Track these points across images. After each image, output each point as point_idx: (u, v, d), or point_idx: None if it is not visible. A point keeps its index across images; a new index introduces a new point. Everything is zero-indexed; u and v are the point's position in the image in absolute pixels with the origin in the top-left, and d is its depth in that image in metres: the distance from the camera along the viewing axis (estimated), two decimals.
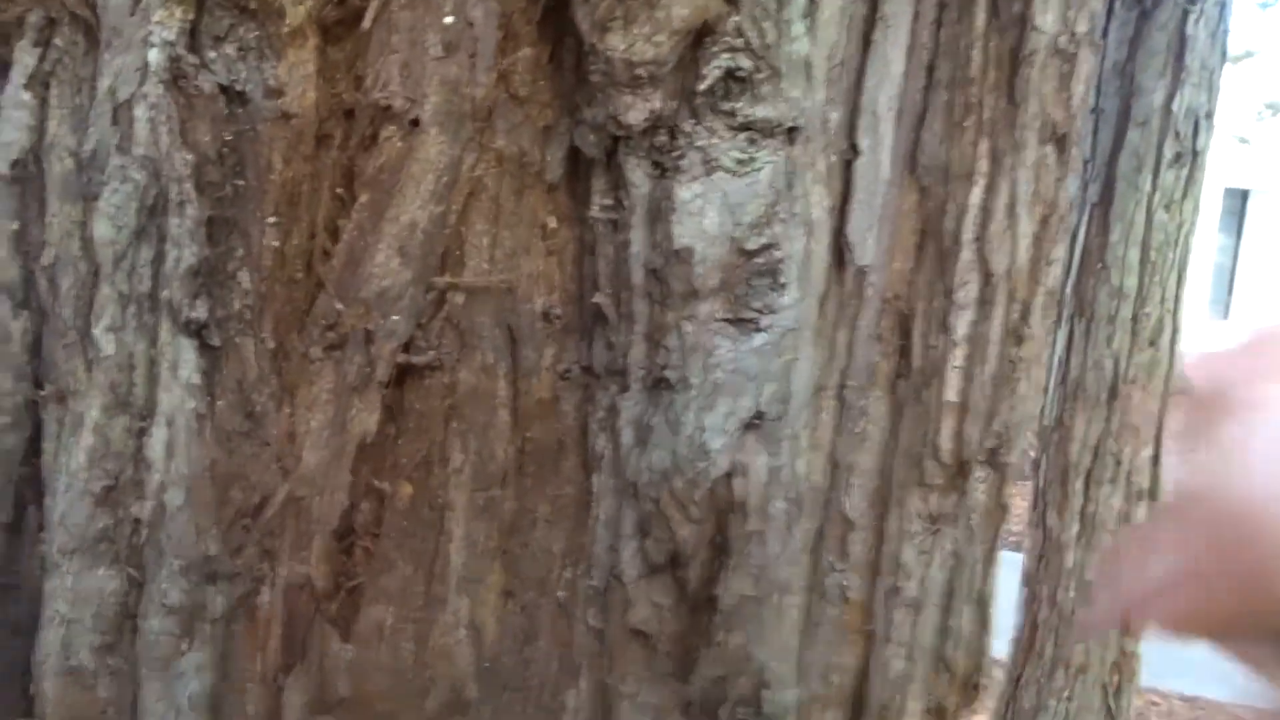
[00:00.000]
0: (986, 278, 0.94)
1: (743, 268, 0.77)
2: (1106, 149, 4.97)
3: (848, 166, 0.88)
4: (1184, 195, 4.86)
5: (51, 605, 0.77)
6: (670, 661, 0.84)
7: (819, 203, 0.83)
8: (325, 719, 0.81)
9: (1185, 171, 4.88)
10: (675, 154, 0.74)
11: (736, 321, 0.77)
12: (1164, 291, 4.88)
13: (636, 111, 0.72)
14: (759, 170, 0.75)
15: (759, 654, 0.85)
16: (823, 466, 0.93)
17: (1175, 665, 6.18)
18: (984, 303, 0.94)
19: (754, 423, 0.79)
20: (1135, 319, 4.85)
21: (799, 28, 0.77)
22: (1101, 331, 4.85)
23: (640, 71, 0.71)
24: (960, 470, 0.96)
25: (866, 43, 0.87)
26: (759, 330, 0.78)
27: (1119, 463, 4.84)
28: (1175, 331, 4.88)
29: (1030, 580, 4.95)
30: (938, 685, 1.02)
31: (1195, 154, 4.96)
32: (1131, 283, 4.84)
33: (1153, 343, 4.90)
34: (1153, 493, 4.97)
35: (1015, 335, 0.97)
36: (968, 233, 0.93)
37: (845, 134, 0.87)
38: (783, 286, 0.78)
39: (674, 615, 0.82)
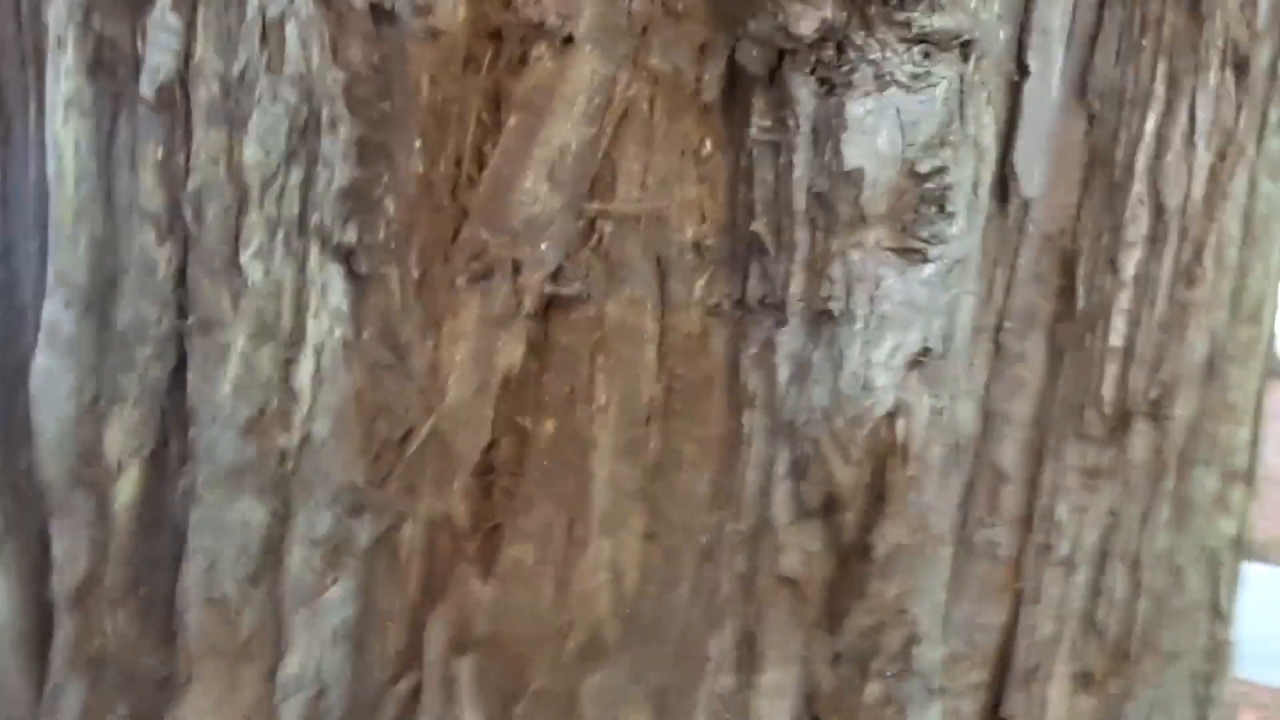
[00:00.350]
0: (1158, 213, 0.87)
1: (910, 193, 0.72)
2: None
3: (1015, 88, 0.82)
4: None
5: (196, 537, 0.76)
6: (819, 611, 0.80)
7: (989, 126, 0.78)
8: (465, 658, 0.79)
9: None
10: (845, 68, 0.69)
11: (903, 251, 0.72)
12: (1266, 265, 4.66)
13: (807, 21, 0.67)
14: (934, 86, 0.70)
15: (912, 607, 0.81)
16: (975, 414, 0.88)
17: (1269, 657, 5.96)
18: (1154, 240, 0.88)
19: (919, 360, 0.74)
20: (1235, 292, 4.65)
21: None
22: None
23: None
24: (1121, 422, 0.90)
25: None
26: (927, 261, 0.73)
27: (1215, 443, 4.67)
28: (1275, 306, 4.66)
29: None
30: (1087, 651, 0.97)
31: None
32: (1232, 254, 4.64)
33: (1253, 318, 4.70)
34: (1249, 475, 4.78)
35: (1187, 276, 0.90)
36: (1140, 164, 0.86)
37: (1013, 53, 0.82)
38: (951, 215, 0.73)
39: (825, 563, 0.79)
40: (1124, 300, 0.88)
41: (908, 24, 0.69)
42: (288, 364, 0.72)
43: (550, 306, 0.76)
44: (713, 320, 0.77)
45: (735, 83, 0.74)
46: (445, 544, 0.77)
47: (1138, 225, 0.87)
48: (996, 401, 0.88)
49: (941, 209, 0.73)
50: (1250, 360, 4.33)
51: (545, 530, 0.78)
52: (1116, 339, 0.88)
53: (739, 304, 0.76)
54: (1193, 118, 0.87)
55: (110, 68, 0.75)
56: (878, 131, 0.69)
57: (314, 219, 0.69)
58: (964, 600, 0.90)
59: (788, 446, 0.74)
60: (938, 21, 0.70)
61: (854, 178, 0.70)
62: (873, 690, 0.79)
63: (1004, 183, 0.83)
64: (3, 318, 0.96)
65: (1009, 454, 0.89)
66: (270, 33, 0.67)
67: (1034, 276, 0.87)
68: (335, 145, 0.67)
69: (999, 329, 0.87)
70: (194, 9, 0.71)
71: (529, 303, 0.74)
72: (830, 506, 0.75)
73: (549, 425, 0.77)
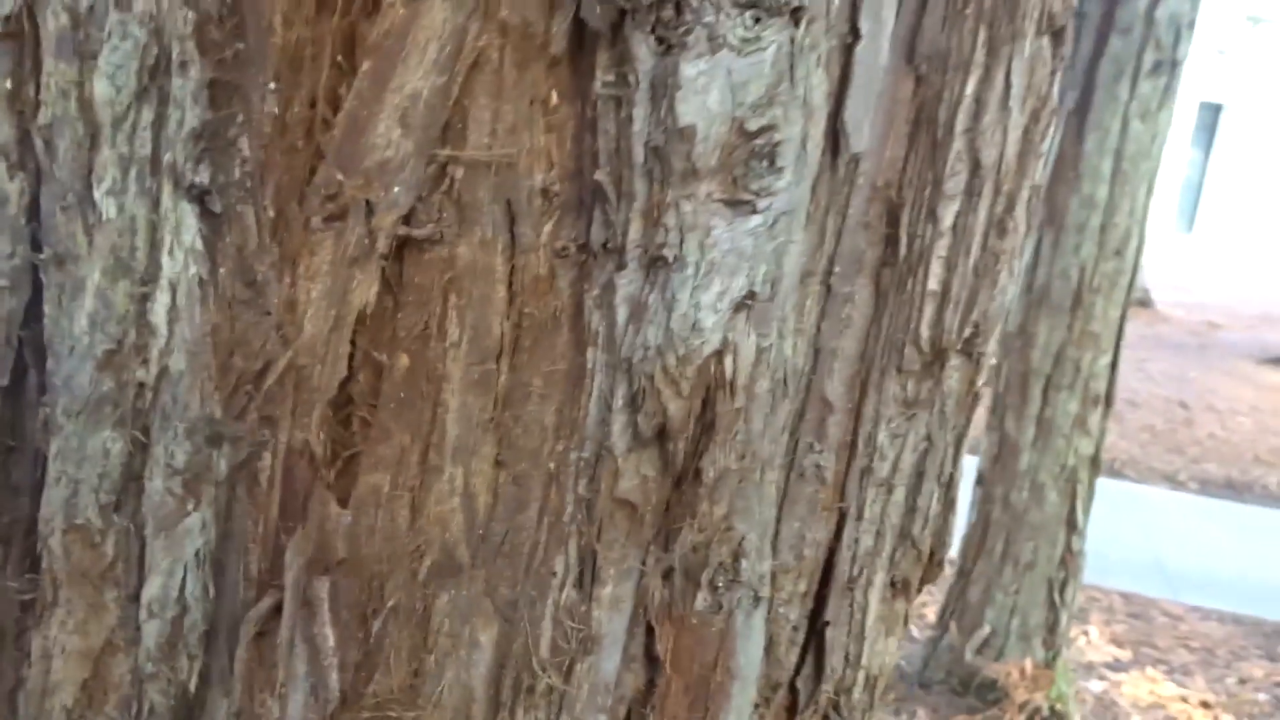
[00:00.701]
0: (975, 169, 0.95)
1: (741, 148, 0.78)
2: (1087, 56, 4.94)
3: (847, 50, 0.88)
4: (1160, 106, 4.87)
5: (57, 465, 0.79)
6: (654, 530, 0.88)
7: (819, 86, 0.84)
8: (323, 579, 0.84)
9: (1163, 81, 4.88)
10: (681, 29, 0.74)
11: (733, 203, 0.78)
12: (1133, 202, 4.93)
13: None
14: (764, 50, 0.76)
15: (739, 525, 0.89)
16: (806, 350, 0.95)
17: (1115, 564, 6.46)
18: (971, 194, 0.96)
19: (745, 303, 0.81)
20: (1103, 229, 4.91)
21: None
22: (1070, 240, 4.92)
23: None
24: (937, 358, 0.99)
25: None
26: (755, 212, 0.80)
27: (1078, 369, 4.97)
28: (1140, 242, 4.95)
29: (985, 481, 5.12)
30: (904, 561, 1.07)
31: (1174, 64, 4.95)
32: (1103, 192, 4.89)
33: (1119, 253, 4.97)
34: (1108, 399, 5.12)
35: (999, 227, 0.99)
36: (960, 123, 0.94)
37: (847, 16, 0.87)
38: (780, 170, 0.80)
39: (659, 487, 0.86)
40: (941, 248, 0.96)
41: None
42: (144, 299, 0.74)
43: (404, 247, 0.79)
44: (559, 262, 0.82)
45: (582, 37, 0.77)
46: (304, 472, 0.81)
47: (956, 180, 0.95)
48: (826, 339, 0.96)
49: (771, 163, 0.79)
50: (1113, 292, 4.64)
51: (400, 458, 0.83)
52: (934, 283, 0.97)
53: (583, 248, 0.81)
54: (1008, 82, 0.94)
55: None
56: (709, 91, 0.75)
57: (166, 158, 0.71)
58: (792, 518, 1.00)
59: (625, 381, 0.81)
60: None
61: (686, 134, 0.75)
62: (702, 599, 0.88)
63: (835, 138, 0.90)
64: None
65: (835, 387, 0.97)
66: None
67: (862, 225, 0.95)
68: (186, 86, 0.69)
69: (829, 273, 0.95)
70: None
71: (382, 243, 0.77)
72: (664, 435, 0.82)
73: (404, 360, 0.82)
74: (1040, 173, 1.03)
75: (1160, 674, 5.55)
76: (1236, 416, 10.21)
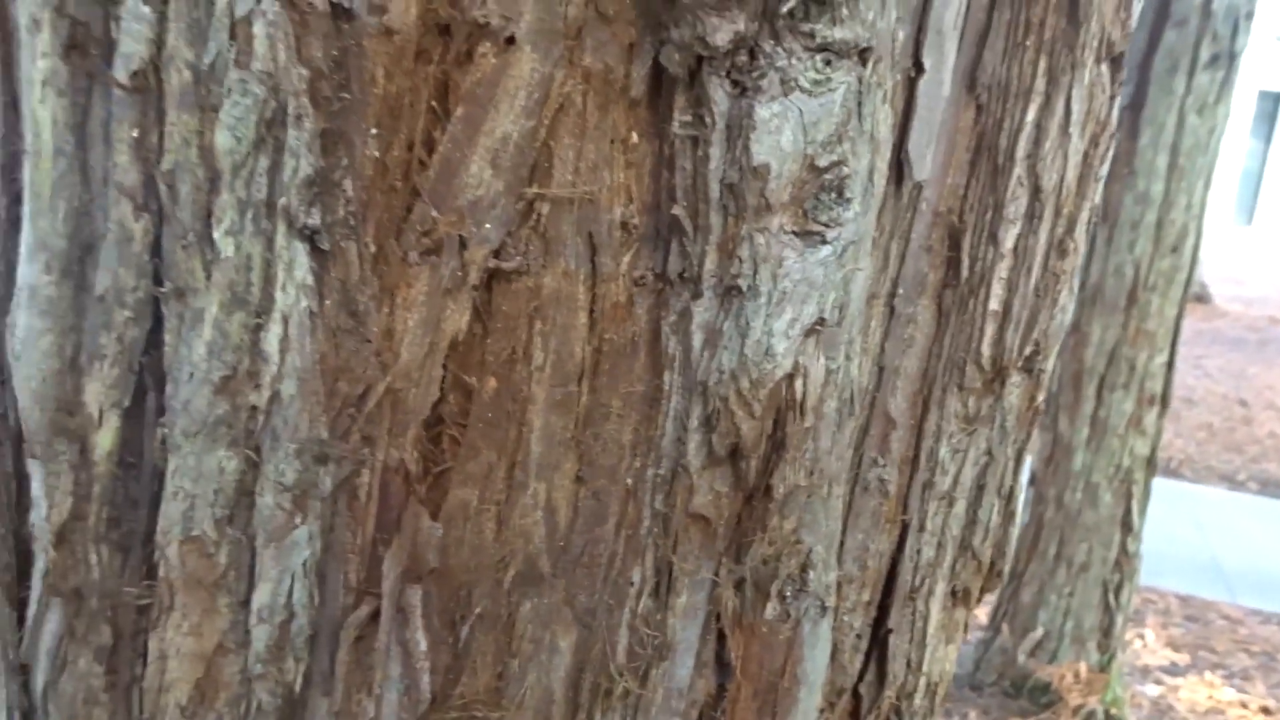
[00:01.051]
0: (1035, 193, 0.99)
1: (812, 183, 0.82)
2: (1141, 50, 4.88)
3: (911, 83, 0.92)
4: (1217, 99, 4.80)
5: (174, 481, 0.85)
6: (726, 543, 0.92)
7: (885, 121, 0.88)
8: (416, 587, 0.90)
9: (1221, 74, 4.80)
10: (755, 74, 0.78)
11: (804, 234, 0.83)
12: (1190, 198, 4.86)
13: (722, 33, 0.76)
14: (834, 91, 0.80)
15: (807, 539, 0.93)
16: (870, 369, 0.99)
17: (1172, 565, 6.37)
18: (1031, 217, 0.99)
19: (815, 329, 0.85)
20: (1159, 225, 4.85)
21: None
22: (1124, 237, 4.86)
23: None
24: (998, 375, 1.02)
25: None
26: (824, 243, 0.84)
27: (1133, 368, 4.92)
28: (1198, 238, 4.88)
29: (1037, 481, 5.09)
30: (964, 571, 1.11)
31: (1232, 56, 4.87)
32: (1158, 188, 4.83)
33: (1175, 249, 4.90)
34: (1164, 398, 5.05)
35: (1059, 248, 1.02)
36: (1021, 150, 0.97)
37: (910, 51, 0.91)
38: (848, 201, 0.84)
39: (731, 502, 0.90)
40: (1003, 270, 1.00)
41: (811, 35, 0.78)
42: (257, 330, 0.80)
43: (493, 278, 0.84)
44: (637, 291, 0.86)
45: (660, 80, 0.82)
46: (399, 487, 0.87)
47: (1017, 204, 0.99)
48: (889, 358, 1.00)
49: (839, 196, 0.83)
50: (1170, 290, 4.60)
51: (487, 474, 0.89)
52: (996, 304, 1.00)
53: (660, 277, 0.86)
54: (1068, 109, 0.97)
55: (84, 49, 0.81)
56: (782, 132, 0.79)
57: (281, 202, 0.77)
58: (857, 530, 1.04)
59: (700, 403, 0.85)
60: (838, 33, 0.79)
61: (760, 172, 0.79)
62: (772, 609, 0.92)
63: (899, 167, 0.93)
64: None
65: (899, 403, 1.01)
66: (239, 29, 0.74)
67: (924, 249, 0.98)
68: (301, 137, 0.75)
69: (893, 295, 0.99)
70: (165, 1, 0.76)
71: (474, 275, 0.83)
72: (736, 454, 0.87)
73: (491, 382, 0.87)
74: (1100, 194, 1.06)
75: (1219, 679, 5.47)
76: None
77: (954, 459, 1.04)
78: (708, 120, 0.80)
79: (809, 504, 0.90)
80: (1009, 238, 0.99)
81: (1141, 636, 5.76)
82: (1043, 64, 0.96)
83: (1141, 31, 4.74)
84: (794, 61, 0.79)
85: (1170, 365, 4.84)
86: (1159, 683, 5.40)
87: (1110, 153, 1.03)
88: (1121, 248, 4.82)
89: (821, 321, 0.85)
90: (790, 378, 0.84)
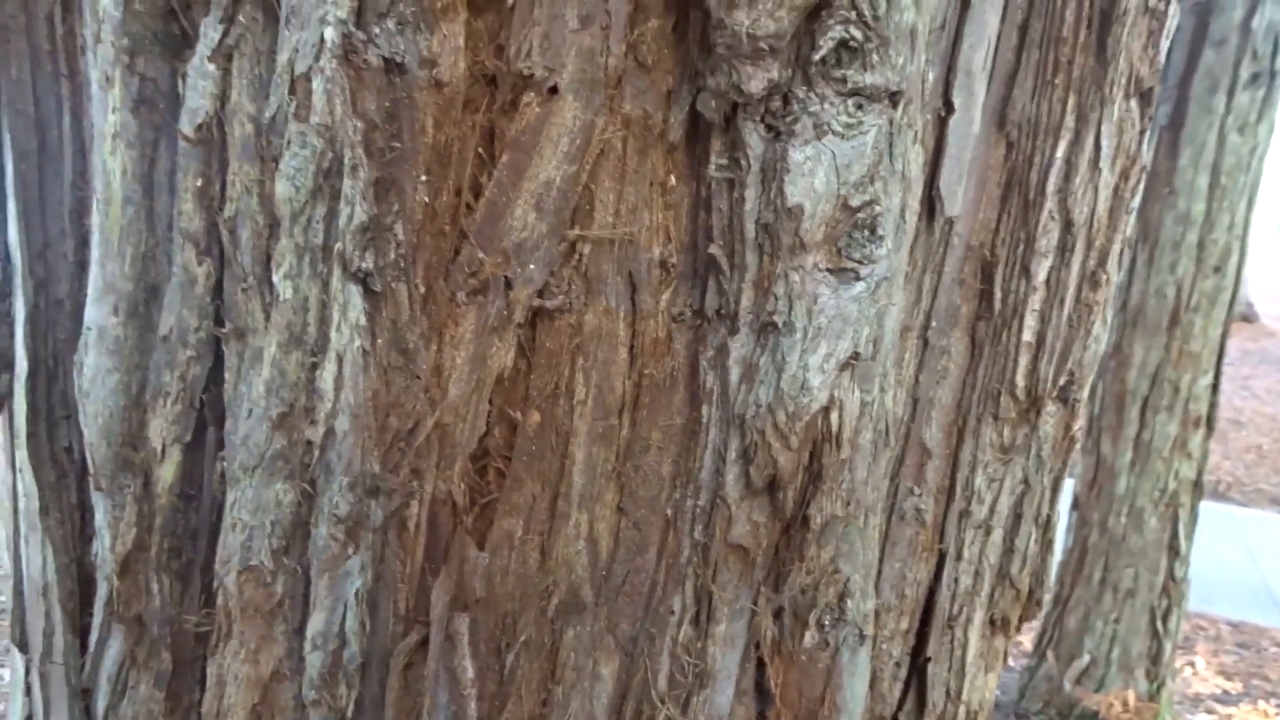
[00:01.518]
0: (1067, 227, 1.00)
1: (845, 222, 0.84)
2: (1180, 69, 4.85)
3: (942, 122, 0.94)
4: (1259, 117, 4.75)
5: (233, 513, 0.89)
6: (765, 572, 0.94)
7: (915, 160, 0.90)
8: (463, 616, 0.93)
9: (1262, 93, 4.75)
10: (789, 119, 0.81)
11: (838, 271, 0.85)
12: (1232, 217, 4.80)
13: (756, 81, 0.79)
14: (865, 134, 0.82)
15: (844, 568, 0.95)
16: (905, 400, 1.01)
17: (1222, 591, 6.24)
18: (1063, 250, 1.01)
19: (850, 363, 0.87)
20: (1201, 245, 4.79)
21: (909, 1, 0.83)
22: (1165, 258, 4.81)
23: (762, 44, 0.78)
24: (1033, 405, 1.03)
25: (965, 5, 0.92)
26: (858, 279, 0.86)
27: (1176, 390, 4.85)
28: (1241, 258, 4.82)
29: (1081, 505, 5.02)
30: (1002, 599, 1.12)
31: (1274, 74, 4.82)
32: (1199, 208, 4.77)
33: (1218, 269, 4.84)
34: (1209, 421, 4.98)
35: (1092, 280, 1.03)
36: (1051, 185, 0.99)
37: (940, 92, 0.93)
38: (880, 239, 0.86)
39: (769, 532, 0.92)
40: (1035, 302, 1.01)
41: (843, 80, 0.81)
42: (313, 368, 0.84)
43: (537, 316, 0.88)
44: (676, 327, 0.89)
45: (696, 125, 0.85)
46: (447, 518, 0.90)
47: (1049, 238, 1.00)
48: (924, 389, 1.01)
49: (872, 234, 0.85)
50: (1213, 310, 4.53)
51: (532, 505, 0.91)
52: (1029, 335, 1.01)
53: (698, 314, 0.88)
54: (1098, 145, 0.99)
55: (152, 104, 0.86)
56: (815, 174, 0.81)
57: (337, 247, 0.80)
58: (894, 559, 1.05)
59: (738, 435, 0.87)
60: (869, 78, 0.81)
61: (794, 212, 0.82)
62: (810, 637, 0.93)
63: (931, 204, 0.95)
64: (42, 310, 1.07)
65: (934, 434, 1.02)
66: (298, 85, 0.78)
67: (957, 282, 1.00)
68: (355, 186, 0.79)
69: (927, 327, 1.00)
70: (229, 59, 0.81)
71: (519, 314, 0.86)
72: (774, 485, 0.89)
73: (535, 416, 0.90)
74: (1131, 225, 1.07)
75: (1273, 708, 5.33)
76: None
77: (990, 488, 1.05)
78: (743, 163, 0.83)
79: (846, 533, 0.92)
80: (1041, 270, 1.00)
81: (1192, 664, 5.64)
82: (1072, 101, 0.97)
83: (1180, 51, 4.71)
84: (826, 106, 0.81)
85: (1215, 387, 4.77)
86: (1210, 711, 5.28)
87: (1141, 185, 1.04)
88: (1163, 268, 4.76)
89: (856, 356, 0.87)
90: (826, 410, 0.86)
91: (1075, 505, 5.04)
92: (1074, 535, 5.08)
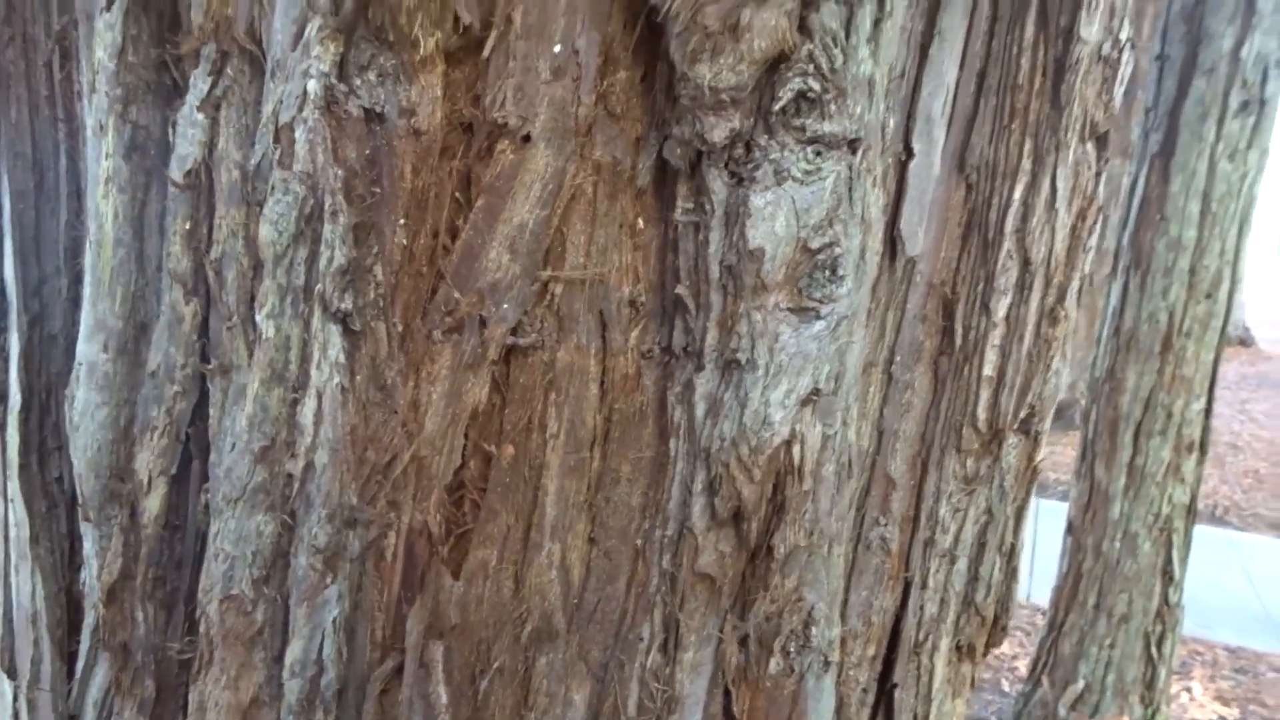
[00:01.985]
0: (1025, 265, 1.04)
1: (805, 263, 0.88)
2: (1170, 97, 4.92)
3: (902, 166, 0.98)
4: (1249, 145, 4.81)
5: (216, 543, 0.92)
6: (731, 601, 0.97)
7: (875, 203, 0.93)
8: (438, 643, 0.95)
9: (1252, 120, 4.82)
10: (750, 165, 0.85)
11: (799, 310, 0.88)
12: (1224, 244, 4.85)
13: (719, 130, 0.83)
14: (824, 179, 0.86)
15: (809, 596, 0.98)
16: (870, 433, 1.04)
17: (1219, 616, 6.24)
18: (1022, 288, 1.04)
19: (811, 398, 0.90)
20: (1193, 271, 4.84)
21: (864, 51, 0.87)
22: (1157, 284, 4.85)
23: (724, 96, 0.82)
24: (995, 437, 1.07)
25: (924, 55, 0.97)
26: (819, 318, 0.89)
27: (1170, 415, 4.88)
28: (1234, 283, 4.86)
29: (1075, 530, 5.04)
30: (968, 626, 1.14)
31: (1263, 103, 4.88)
32: (1191, 234, 4.83)
33: (1209, 295, 4.89)
34: (1203, 445, 5.00)
35: (1050, 316, 1.07)
36: (1010, 225, 1.02)
37: (901, 137, 0.97)
38: (840, 279, 0.89)
39: (735, 561, 0.95)
40: (995, 337, 1.04)
41: (802, 129, 0.85)
42: (294, 404, 0.87)
43: (511, 353, 0.91)
44: (645, 364, 0.92)
45: (664, 171, 0.89)
46: (423, 549, 0.93)
47: (1008, 276, 1.04)
48: (888, 422, 1.05)
49: (832, 274, 0.89)
50: (1205, 335, 4.57)
51: (505, 536, 0.95)
52: (989, 369, 1.05)
53: (666, 351, 0.92)
54: (1054, 187, 1.03)
55: (144, 150, 0.90)
56: (776, 218, 0.85)
57: (317, 288, 0.84)
58: (860, 587, 1.08)
59: (704, 468, 0.91)
60: (827, 127, 0.85)
61: (756, 255, 0.86)
62: (776, 664, 0.96)
63: (893, 244, 0.99)
64: (36, 345, 1.11)
65: (898, 465, 1.05)
66: (282, 134, 0.82)
67: (920, 318, 1.04)
68: (335, 231, 0.82)
69: (891, 362, 1.04)
70: (217, 109, 0.85)
71: (493, 351, 0.89)
72: (739, 516, 0.92)
73: (509, 450, 0.93)
74: (1090, 263, 1.10)
75: None
76: None
77: (954, 518, 1.08)
78: (707, 208, 0.86)
79: (810, 563, 0.95)
80: (1001, 307, 1.04)
81: (1189, 690, 5.63)
82: (1028, 145, 1.01)
83: (1170, 79, 4.78)
84: (786, 153, 0.85)
85: (1208, 411, 4.80)
86: None
87: (1099, 225, 1.08)
88: (1155, 294, 4.81)
89: (817, 391, 0.90)
90: (788, 444, 0.89)
91: (1070, 530, 5.06)
92: (1068, 560, 5.10)
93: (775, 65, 0.84)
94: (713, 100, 0.82)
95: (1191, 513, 4.93)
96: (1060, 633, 5.06)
